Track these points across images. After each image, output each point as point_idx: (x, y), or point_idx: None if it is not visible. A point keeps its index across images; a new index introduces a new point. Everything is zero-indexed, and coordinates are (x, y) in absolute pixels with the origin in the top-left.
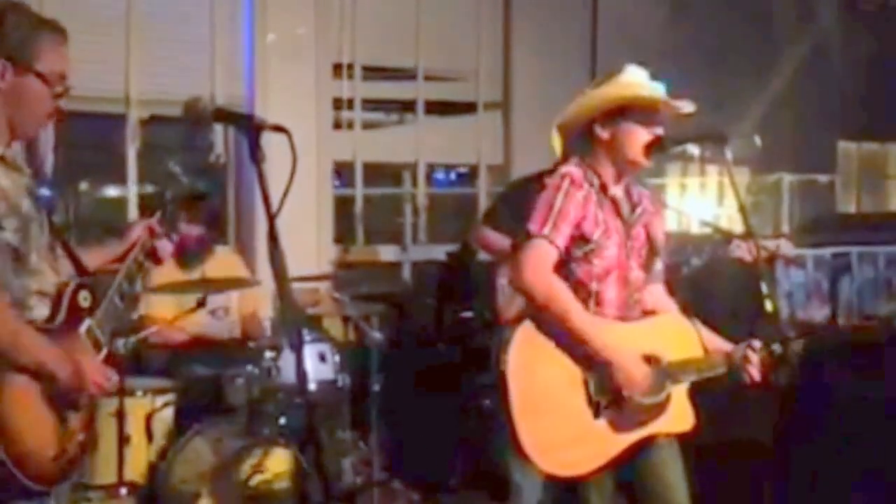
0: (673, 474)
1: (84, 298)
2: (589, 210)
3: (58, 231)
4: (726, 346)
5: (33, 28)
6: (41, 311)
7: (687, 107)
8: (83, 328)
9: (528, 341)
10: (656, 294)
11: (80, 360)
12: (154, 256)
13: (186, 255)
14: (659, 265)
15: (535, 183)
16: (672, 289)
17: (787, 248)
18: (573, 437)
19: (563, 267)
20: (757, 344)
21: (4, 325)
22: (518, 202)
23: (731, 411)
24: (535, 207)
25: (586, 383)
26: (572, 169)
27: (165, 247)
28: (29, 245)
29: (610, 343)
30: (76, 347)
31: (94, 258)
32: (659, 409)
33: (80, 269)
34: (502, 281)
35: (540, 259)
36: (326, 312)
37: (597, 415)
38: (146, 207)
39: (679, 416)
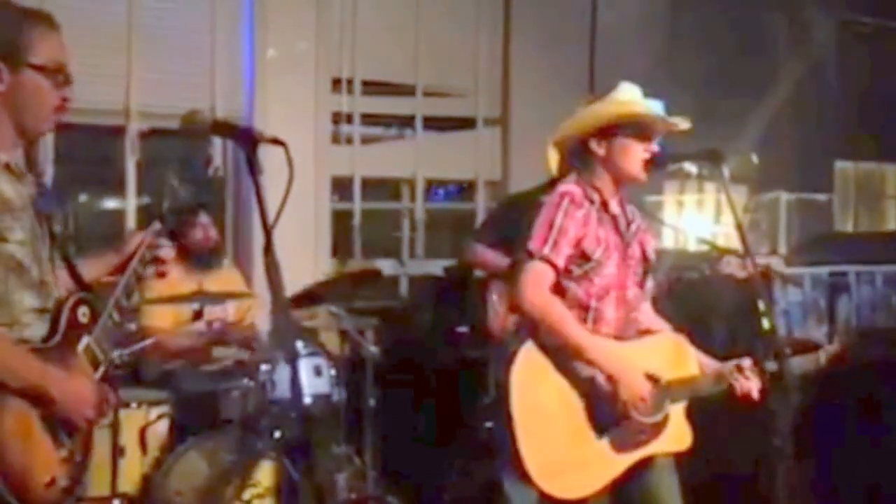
0: (669, 496)
1: (83, 314)
2: (590, 228)
3: (58, 243)
4: (718, 364)
5: (20, 20)
6: (39, 328)
7: (682, 123)
8: (81, 346)
9: (530, 362)
10: (646, 312)
11: (79, 383)
12: (157, 268)
13: (200, 259)
14: (650, 283)
15: (528, 200)
16: (657, 306)
17: (778, 266)
18: (575, 459)
19: (563, 286)
20: (747, 362)
21: None
22: (511, 219)
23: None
24: (536, 226)
25: (588, 404)
26: (571, 187)
27: (167, 256)
28: (32, 258)
29: (615, 360)
30: (74, 368)
31: (91, 270)
32: (658, 428)
33: (79, 282)
34: (493, 297)
35: (539, 279)
36: (322, 326)
37: (599, 436)
38: (143, 219)
39: (677, 435)
